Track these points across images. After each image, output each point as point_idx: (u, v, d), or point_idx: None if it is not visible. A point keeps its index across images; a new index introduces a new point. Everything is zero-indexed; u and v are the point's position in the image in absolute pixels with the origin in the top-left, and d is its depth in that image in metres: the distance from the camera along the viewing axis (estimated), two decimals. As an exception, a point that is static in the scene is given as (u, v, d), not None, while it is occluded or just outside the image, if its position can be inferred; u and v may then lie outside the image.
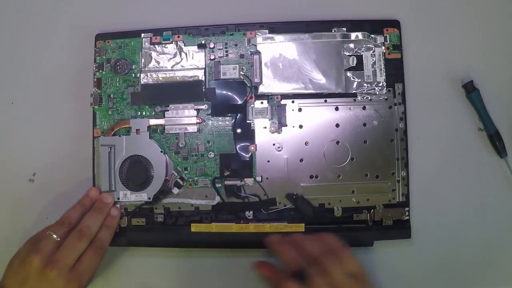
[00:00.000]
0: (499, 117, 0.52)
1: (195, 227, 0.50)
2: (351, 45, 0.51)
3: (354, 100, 0.51)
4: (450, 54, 0.53)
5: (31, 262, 0.44)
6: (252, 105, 0.51)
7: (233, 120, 0.51)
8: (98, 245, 0.48)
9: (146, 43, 0.52)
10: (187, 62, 0.52)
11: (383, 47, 0.51)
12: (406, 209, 0.51)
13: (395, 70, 0.52)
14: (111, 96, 0.52)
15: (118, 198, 0.51)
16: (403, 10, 0.53)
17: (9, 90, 0.55)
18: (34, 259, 0.45)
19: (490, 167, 0.53)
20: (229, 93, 0.51)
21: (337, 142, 0.51)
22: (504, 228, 0.52)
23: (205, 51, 0.52)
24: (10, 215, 0.54)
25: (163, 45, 0.52)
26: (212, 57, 0.52)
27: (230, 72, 0.51)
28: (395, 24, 0.52)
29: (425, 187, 0.52)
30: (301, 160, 0.51)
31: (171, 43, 0.52)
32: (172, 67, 0.51)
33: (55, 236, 0.46)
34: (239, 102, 0.51)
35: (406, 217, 0.51)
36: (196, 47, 0.52)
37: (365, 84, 0.51)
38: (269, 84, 0.51)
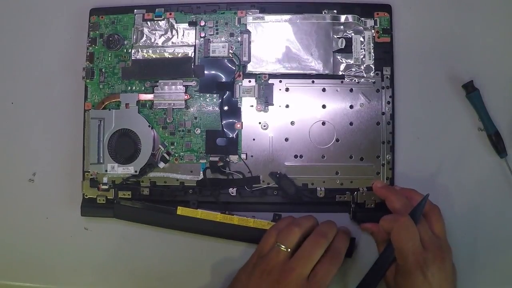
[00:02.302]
0: (499, 117, 0.52)
1: (181, 211, 0.51)
2: (341, 27, 0.52)
3: (342, 82, 0.52)
4: (450, 54, 0.53)
5: (261, 275, 0.43)
6: (239, 83, 0.52)
7: (221, 98, 0.52)
8: (335, 253, 0.45)
9: (139, 19, 0.52)
10: (177, 39, 0.52)
11: (372, 31, 0.52)
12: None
13: (384, 54, 0.52)
14: (103, 70, 0.53)
15: (106, 170, 0.52)
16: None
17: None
18: (264, 271, 0.43)
19: (490, 167, 0.52)
20: (218, 71, 0.52)
21: (323, 123, 0.52)
22: (504, 228, 0.52)
23: (196, 29, 0.52)
24: (10, 215, 0.54)
25: (155, 21, 0.52)
26: (203, 34, 0.52)
27: (220, 50, 0.52)
28: (386, 8, 0.52)
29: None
30: (286, 140, 0.52)
31: (163, 20, 0.52)
32: (163, 43, 0.52)
33: (283, 247, 0.44)
34: (227, 80, 0.52)
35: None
36: (187, 24, 0.52)
37: (354, 67, 0.51)
38: (258, 63, 0.51)
